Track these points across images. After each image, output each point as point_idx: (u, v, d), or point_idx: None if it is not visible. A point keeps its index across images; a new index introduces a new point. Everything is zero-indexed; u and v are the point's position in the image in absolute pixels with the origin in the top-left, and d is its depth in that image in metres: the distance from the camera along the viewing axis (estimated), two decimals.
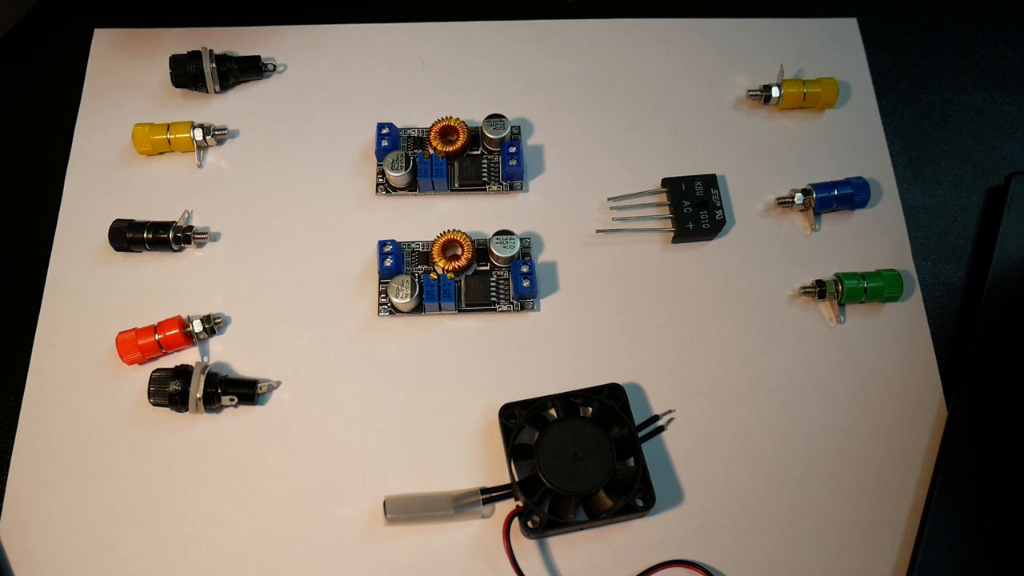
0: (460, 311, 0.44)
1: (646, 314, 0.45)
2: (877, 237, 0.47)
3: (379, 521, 0.40)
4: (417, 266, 0.45)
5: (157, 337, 0.42)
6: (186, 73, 0.48)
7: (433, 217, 0.47)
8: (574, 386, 0.42)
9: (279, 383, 0.43)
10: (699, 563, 0.39)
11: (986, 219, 0.48)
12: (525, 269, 0.43)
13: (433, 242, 0.44)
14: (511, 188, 0.47)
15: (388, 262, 0.44)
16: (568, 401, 0.41)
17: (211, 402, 0.41)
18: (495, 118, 0.47)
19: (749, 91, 0.50)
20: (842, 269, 0.45)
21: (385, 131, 0.47)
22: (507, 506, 0.40)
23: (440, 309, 0.44)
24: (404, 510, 0.39)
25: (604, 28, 0.53)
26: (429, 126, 0.47)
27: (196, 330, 0.43)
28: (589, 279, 0.46)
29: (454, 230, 0.44)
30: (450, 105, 0.50)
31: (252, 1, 0.53)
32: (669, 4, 0.54)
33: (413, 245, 0.45)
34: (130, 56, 0.51)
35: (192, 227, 0.45)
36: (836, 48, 0.52)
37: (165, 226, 0.45)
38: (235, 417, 0.42)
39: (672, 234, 0.46)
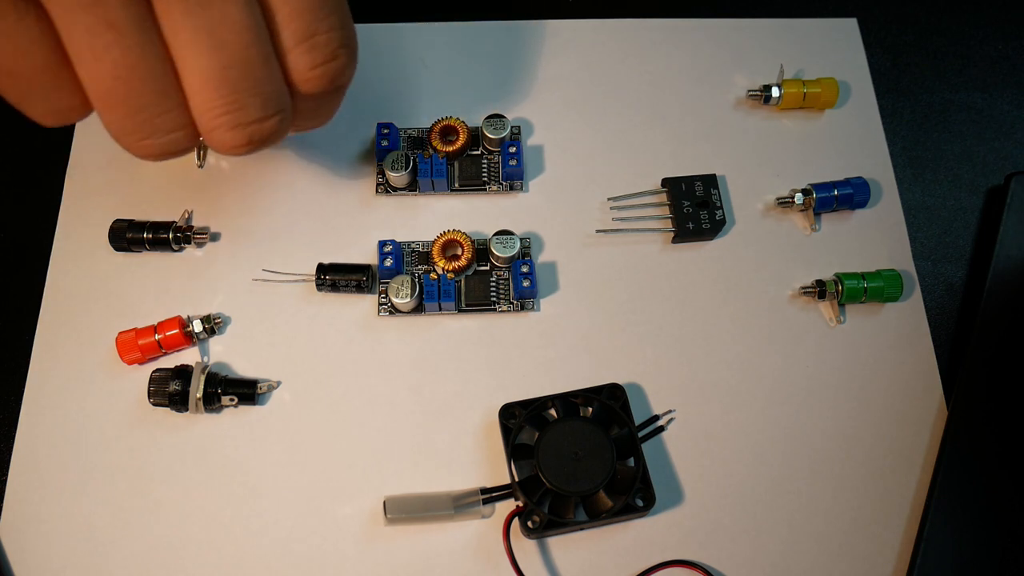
0: (460, 311, 0.44)
1: (646, 314, 0.45)
2: (877, 237, 0.47)
3: (379, 521, 0.40)
4: (417, 266, 0.45)
5: (157, 337, 0.42)
6: None
7: (433, 217, 0.47)
8: (574, 386, 0.42)
9: (279, 383, 0.43)
10: (699, 563, 0.39)
11: (986, 219, 0.48)
12: (525, 269, 0.43)
13: (433, 242, 0.44)
14: (511, 188, 0.47)
15: (388, 262, 0.44)
16: (568, 401, 0.41)
17: (211, 402, 0.41)
18: (495, 118, 0.47)
19: (749, 91, 0.50)
20: (842, 269, 0.45)
21: (385, 131, 0.47)
22: (507, 506, 0.40)
23: (440, 309, 0.44)
24: (404, 510, 0.39)
25: (604, 28, 0.52)
26: (429, 126, 0.47)
27: (196, 330, 0.43)
28: (589, 279, 0.46)
29: (454, 230, 0.44)
30: (450, 105, 0.50)
31: None
32: (669, 4, 0.54)
33: (413, 245, 0.45)
34: None
35: (192, 227, 0.45)
36: (836, 48, 0.52)
37: (165, 226, 0.45)
38: (235, 417, 0.42)
39: (672, 234, 0.46)
